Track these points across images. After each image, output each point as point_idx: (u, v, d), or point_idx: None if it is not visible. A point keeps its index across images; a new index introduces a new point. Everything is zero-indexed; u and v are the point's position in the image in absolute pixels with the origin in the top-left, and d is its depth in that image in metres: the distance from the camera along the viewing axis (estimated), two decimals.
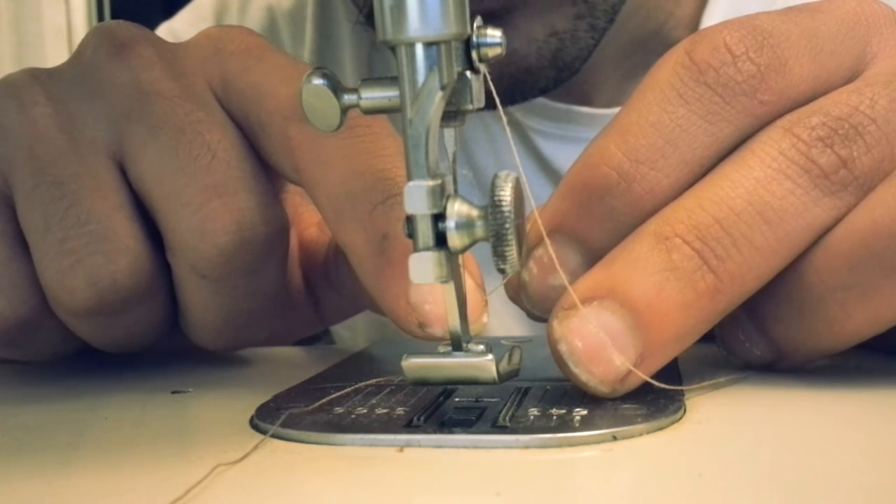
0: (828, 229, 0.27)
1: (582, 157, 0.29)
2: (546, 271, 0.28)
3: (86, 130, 0.33)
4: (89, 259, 0.31)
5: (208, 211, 0.31)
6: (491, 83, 0.26)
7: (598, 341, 0.25)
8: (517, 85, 0.48)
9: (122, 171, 0.32)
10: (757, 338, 0.29)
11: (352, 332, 0.67)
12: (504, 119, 0.26)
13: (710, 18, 0.54)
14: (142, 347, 0.35)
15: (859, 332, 0.27)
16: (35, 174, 0.32)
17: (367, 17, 0.49)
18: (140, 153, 0.32)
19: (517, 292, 0.30)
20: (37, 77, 0.34)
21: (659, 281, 0.26)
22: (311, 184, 0.31)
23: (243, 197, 0.31)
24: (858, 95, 0.27)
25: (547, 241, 0.28)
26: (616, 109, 0.53)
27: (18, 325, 0.32)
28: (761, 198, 0.26)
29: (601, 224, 0.28)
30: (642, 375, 0.26)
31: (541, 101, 0.55)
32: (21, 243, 0.32)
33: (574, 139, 0.55)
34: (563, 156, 0.56)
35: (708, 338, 0.29)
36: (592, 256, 0.28)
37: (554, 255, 0.27)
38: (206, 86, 0.33)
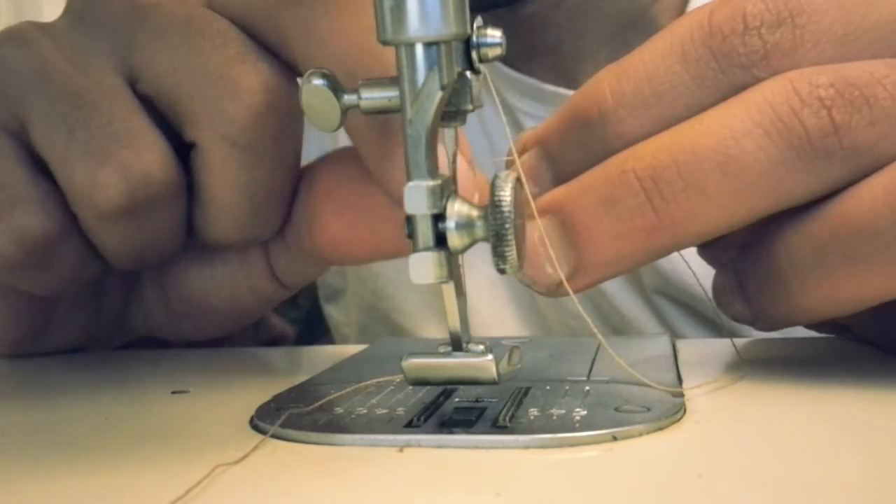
0: (801, 198, 0.27)
1: (585, 83, 0.30)
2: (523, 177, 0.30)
3: (92, 57, 0.33)
4: (119, 154, 0.31)
5: (236, 74, 0.31)
6: (491, 83, 0.26)
7: (535, 249, 0.28)
8: None
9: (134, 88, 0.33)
10: (738, 295, 0.30)
11: (346, 317, 0.67)
12: (504, 119, 0.27)
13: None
14: (160, 261, 0.35)
15: (817, 310, 0.28)
16: (50, 93, 0.32)
17: None
18: (151, 56, 0.32)
19: None
20: (36, 24, 0.34)
21: (600, 209, 0.28)
22: (308, 66, 0.31)
23: (266, 62, 0.31)
24: (887, 68, 0.26)
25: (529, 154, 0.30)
26: None
27: (45, 241, 0.32)
28: (728, 150, 0.26)
29: (572, 151, 0.30)
30: (570, 291, 0.28)
31: (530, 81, 0.55)
32: (40, 167, 0.32)
33: None
34: None
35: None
36: (562, 177, 0.30)
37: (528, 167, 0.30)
38: None
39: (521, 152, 0.31)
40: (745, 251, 0.29)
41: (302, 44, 0.31)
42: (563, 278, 0.28)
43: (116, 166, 0.31)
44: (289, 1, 0.30)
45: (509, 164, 0.31)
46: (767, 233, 0.28)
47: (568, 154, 0.30)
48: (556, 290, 0.28)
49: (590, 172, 0.28)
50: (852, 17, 0.27)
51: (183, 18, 0.32)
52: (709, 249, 0.32)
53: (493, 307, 0.59)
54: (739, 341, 0.33)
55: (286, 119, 0.32)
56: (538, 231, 0.28)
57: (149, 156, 0.31)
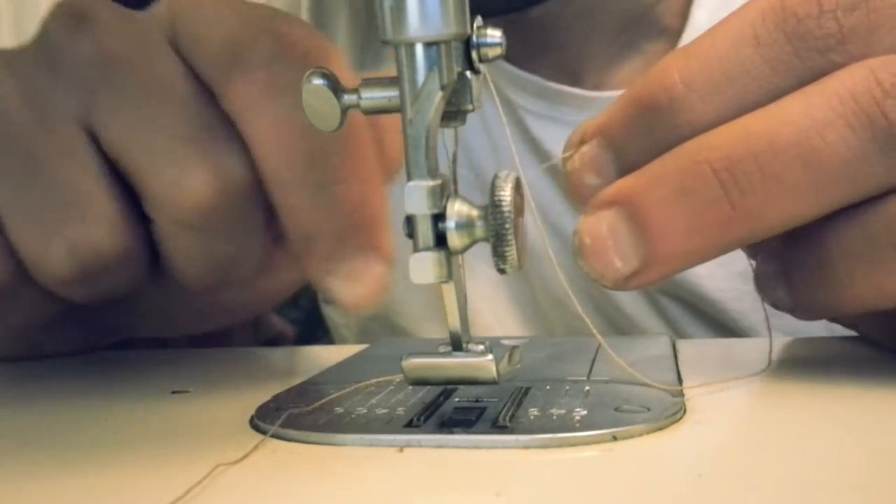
0: (877, 190, 0.26)
1: (651, 70, 0.29)
2: (585, 168, 0.29)
3: (53, 104, 0.32)
4: (68, 229, 0.31)
5: (189, 161, 0.30)
6: (491, 83, 0.26)
7: (603, 242, 0.27)
8: None
9: (94, 141, 0.32)
10: (781, 282, 0.29)
11: (346, 319, 0.67)
12: (504, 119, 0.27)
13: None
14: (125, 297, 0.35)
15: (862, 300, 0.27)
16: (4, 145, 0.31)
17: None
18: (110, 116, 0.31)
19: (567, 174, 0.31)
20: (1, 53, 0.34)
21: (672, 201, 0.26)
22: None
23: (220, 144, 0.31)
24: None
25: (595, 142, 0.29)
26: (605, 93, 0.53)
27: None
28: (809, 140, 0.26)
29: (638, 139, 0.28)
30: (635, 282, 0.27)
31: (533, 79, 0.55)
32: None
33: (563, 122, 0.55)
34: (553, 137, 0.56)
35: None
36: (627, 166, 0.28)
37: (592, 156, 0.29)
38: (164, 41, 0.33)
39: (580, 143, 0.30)
40: (792, 239, 0.28)
41: (249, 117, 0.31)
42: (633, 272, 0.27)
43: (65, 243, 0.31)
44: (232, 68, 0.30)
45: (567, 162, 0.30)
46: (819, 222, 0.27)
47: (635, 142, 0.29)
48: (624, 284, 0.28)
49: (659, 162, 0.27)
50: None
51: (143, 82, 0.31)
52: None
53: (494, 307, 0.59)
54: (741, 341, 0.33)
55: (241, 199, 0.31)
56: (606, 223, 0.27)
57: (100, 228, 0.31)
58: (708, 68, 0.27)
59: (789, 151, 0.26)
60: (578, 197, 0.30)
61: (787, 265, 0.29)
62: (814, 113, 0.26)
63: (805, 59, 0.27)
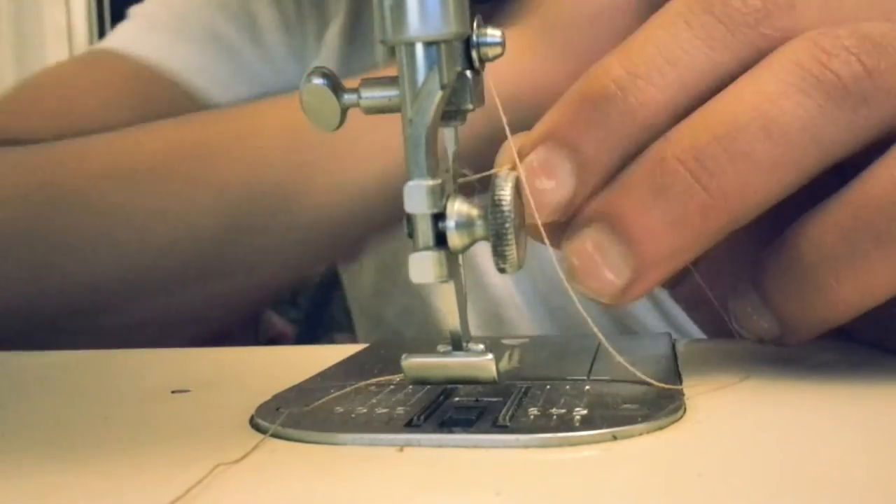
0: (845, 149, 0.26)
1: (585, 72, 0.29)
2: (534, 175, 0.28)
3: None
4: None
5: None
6: (491, 82, 0.26)
7: (591, 260, 0.27)
8: None
9: None
10: (762, 310, 0.29)
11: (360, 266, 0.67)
12: (504, 119, 0.27)
13: None
14: None
15: (854, 302, 0.27)
16: None
17: None
18: None
19: None
20: None
21: (647, 202, 0.27)
22: None
23: None
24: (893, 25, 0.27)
25: (544, 146, 0.28)
26: None
27: None
28: (766, 113, 0.26)
29: (593, 132, 0.28)
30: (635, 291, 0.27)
31: None
32: None
33: None
34: None
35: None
36: (583, 164, 0.28)
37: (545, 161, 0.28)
38: None
39: (528, 142, 0.29)
40: (762, 262, 0.28)
41: None
42: (627, 282, 0.27)
43: None
44: None
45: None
46: (788, 234, 0.28)
47: (587, 136, 0.28)
48: (622, 297, 0.28)
49: (627, 171, 0.28)
50: None
51: None
52: (681, 291, 0.32)
53: (494, 308, 0.59)
54: (741, 341, 0.33)
55: None
56: (590, 241, 0.27)
57: None
58: (648, 55, 0.28)
59: (749, 126, 0.26)
60: (537, 209, 0.29)
61: (765, 289, 0.29)
62: (765, 88, 0.26)
63: (738, 35, 0.28)
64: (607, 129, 0.28)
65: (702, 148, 0.26)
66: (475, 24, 0.25)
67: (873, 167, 0.26)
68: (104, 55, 0.63)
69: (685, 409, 0.26)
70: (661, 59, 0.28)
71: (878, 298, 0.27)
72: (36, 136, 0.54)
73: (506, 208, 0.24)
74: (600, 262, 0.27)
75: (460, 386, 0.28)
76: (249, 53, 0.65)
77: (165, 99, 0.60)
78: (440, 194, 0.24)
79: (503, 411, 0.25)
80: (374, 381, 0.29)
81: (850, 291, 0.27)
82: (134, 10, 0.66)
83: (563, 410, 0.25)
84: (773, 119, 0.26)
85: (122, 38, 0.64)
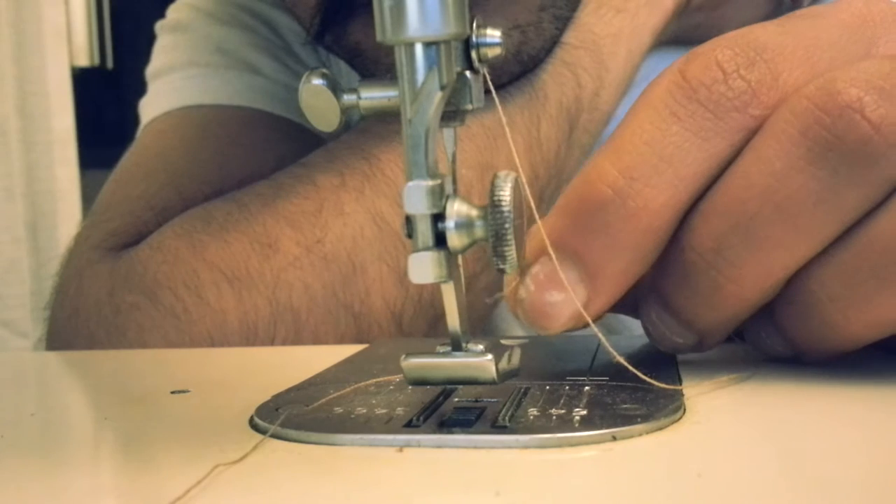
0: (863, 207, 0.26)
1: (580, 174, 0.29)
2: (543, 288, 0.28)
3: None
4: None
5: None
6: (490, 83, 0.26)
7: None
8: None
9: None
10: (775, 336, 0.30)
11: None
12: (504, 119, 0.27)
13: None
14: None
15: (862, 336, 0.28)
16: None
17: (315, 38, 0.47)
18: None
19: (515, 306, 0.30)
20: None
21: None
22: None
23: None
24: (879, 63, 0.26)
25: (551, 253, 0.28)
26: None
27: None
28: (777, 193, 0.26)
29: (597, 239, 0.28)
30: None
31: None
32: None
33: None
34: None
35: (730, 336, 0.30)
36: (589, 271, 0.28)
37: (556, 269, 0.28)
38: None
39: (533, 251, 0.29)
40: (776, 300, 0.29)
41: None
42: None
43: None
44: None
45: (514, 294, 0.29)
46: (795, 276, 0.28)
47: (592, 244, 0.28)
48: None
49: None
50: (804, 40, 0.28)
51: None
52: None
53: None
54: (740, 342, 0.33)
55: None
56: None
57: None
58: (640, 155, 0.28)
59: (763, 211, 0.26)
60: (545, 320, 0.29)
61: (776, 318, 0.29)
62: (772, 166, 0.26)
63: (728, 121, 0.27)
64: (611, 236, 0.28)
65: (722, 238, 0.27)
66: (475, 25, 0.25)
67: (878, 213, 0.26)
68: (188, 112, 0.57)
69: (685, 410, 0.26)
70: (655, 157, 0.28)
71: (889, 331, 0.28)
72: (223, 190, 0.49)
73: (505, 209, 0.24)
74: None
75: (460, 386, 0.28)
76: (283, 74, 0.62)
77: (283, 137, 0.55)
78: (440, 195, 0.24)
79: (503, 412, 0.25)
80: (373, 381, 0.29)
81: (860, 328, 0.27)
82: (169, 62, 0.61)
83: (563, 411, 0.25)
84: (787, 197, 0.26)
85: (192, 91, 0.58)
